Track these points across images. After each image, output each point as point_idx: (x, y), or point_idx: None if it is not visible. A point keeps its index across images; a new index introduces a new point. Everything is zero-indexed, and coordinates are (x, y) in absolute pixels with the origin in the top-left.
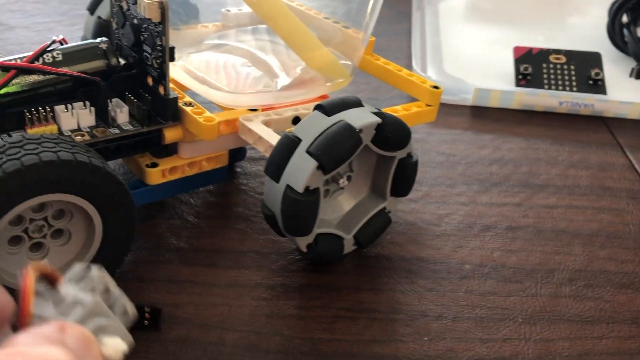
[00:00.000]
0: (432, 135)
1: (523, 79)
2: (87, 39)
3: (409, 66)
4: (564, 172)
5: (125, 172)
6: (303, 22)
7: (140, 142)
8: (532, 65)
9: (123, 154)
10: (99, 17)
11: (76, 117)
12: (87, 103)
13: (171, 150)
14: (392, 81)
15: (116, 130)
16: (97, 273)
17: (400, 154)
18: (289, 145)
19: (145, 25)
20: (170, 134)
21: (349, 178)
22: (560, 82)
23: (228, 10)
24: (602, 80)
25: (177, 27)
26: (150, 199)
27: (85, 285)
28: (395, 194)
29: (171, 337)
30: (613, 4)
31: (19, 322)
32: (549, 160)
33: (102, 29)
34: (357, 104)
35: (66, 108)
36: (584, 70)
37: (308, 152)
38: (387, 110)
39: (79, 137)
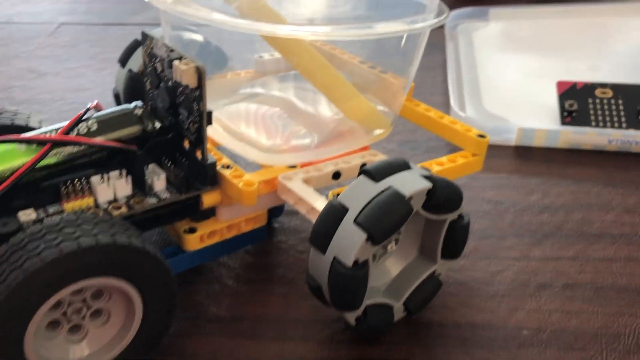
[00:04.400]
0: (476, 180)
1: (568, 116)
2: (118, 91)
3: (446, 104)
4: (620, 219)
5: (161, 234)
6: (337, 67)
7: (179, 209)
8: (577, 101)
9: (162, 223)
10: (130, 71)
11: (112, 187)
12: (124, 172)
13: (208, 212)
14: (435, 129)
15: (153, 200)
16: None
17: (451, 217)
18: (335, 214)
19: (181, 88)
20: (209, 199)
21: (396, 241)
22: (608, 119)
23: (261, 57)
24: None
25: (209, 77)
26: (189, 265)
27: None
28: (446, 256)
29: None
30: None
31: None
32: (602, 205)
33: (133, 82)
34: (405, 166)
35: (102, 178)
36: (632, 104)
37: (356, 222)
38: (432, 163)
39: (116, 210)
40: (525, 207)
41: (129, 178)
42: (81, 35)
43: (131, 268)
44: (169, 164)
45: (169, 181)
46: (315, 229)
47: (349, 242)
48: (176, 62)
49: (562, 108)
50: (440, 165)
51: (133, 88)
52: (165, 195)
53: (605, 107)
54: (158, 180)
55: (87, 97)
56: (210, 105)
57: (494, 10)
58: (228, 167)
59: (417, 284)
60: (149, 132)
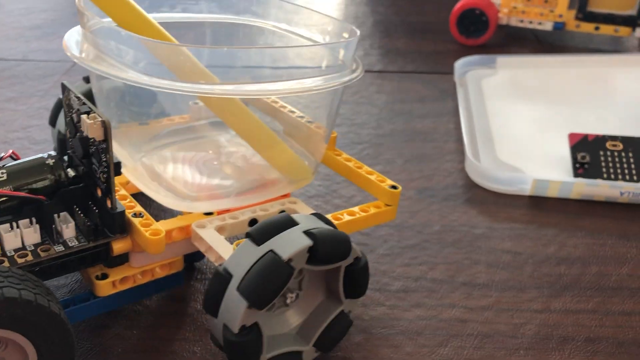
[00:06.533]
0: (494, 231)
1: (580, 168)
2: (58, 149)
3: (460, 151)
4: (636, 272)
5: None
6: (269, 114)
7: (88, 256)
8: (589, 154)
9: (71, 270)
10: (59, 132)
11: (20, 236)
12: (34, 220)
13: (121, 259)
14: (353, 178)
15: (61, 247)
16: None
17: (346, 262)
18: (221, 281)
19: (91, 140)
20: (119, 246)
21: (300, 288)
22: (619, 171)
23: (196, 103)
24: None
25: (145, 122)
26: (102, 310)
27: None
28: (350, 296)
29: None
30: None
31: None
32: (617, 258)
33: (62, 143)
34: (289, 224)
35: (11, 226)
36: None
37: (238, 290)
38: (344, 212)
39: (21, 259)
40: (543, 259)
41: (37, 227)
42: None
43: (30, 324)
44: (80, 213)
45: (80, 229)
46: (205, 295)
47: (234, 309)
48: (84, 117)
49: (575, 160)
50: (351, 215)
51: (63, 148)
52: (73, 243)
53: (617, 159)
54: (67, 228)
55: None
56: (143, 150)
57: (502, 59)
58: (139, 215)
59: (325, 325)
60: (61, 181)
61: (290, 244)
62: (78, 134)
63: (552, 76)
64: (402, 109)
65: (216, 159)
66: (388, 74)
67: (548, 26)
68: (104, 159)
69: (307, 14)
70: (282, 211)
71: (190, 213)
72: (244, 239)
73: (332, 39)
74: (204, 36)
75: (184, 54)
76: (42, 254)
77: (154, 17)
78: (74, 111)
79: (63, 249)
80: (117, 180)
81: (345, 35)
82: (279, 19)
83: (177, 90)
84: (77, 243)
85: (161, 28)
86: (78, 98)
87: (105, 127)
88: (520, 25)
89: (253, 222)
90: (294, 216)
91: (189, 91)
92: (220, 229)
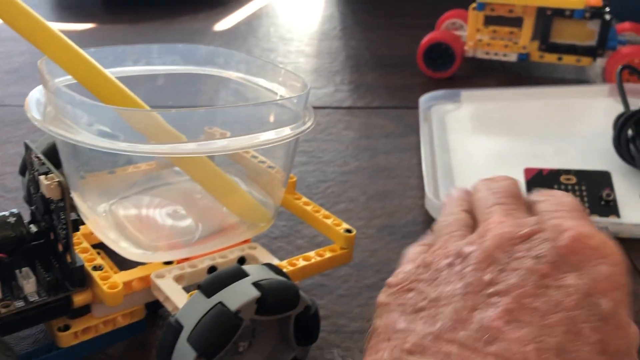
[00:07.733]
0: None
1: None
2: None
3: (422, 186)
4: None
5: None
6: (234, 159)
7: (48, 310)
8: (544, 188)
9: (32, 324)
10: (29, 181)
11: None
12: None
13: (83, 310)
14: (310, 222)
15: (21, 303)
16: None
17: (296, 311)
18: (172, 332)
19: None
20: (79, 299)
21: (250, 344)
22: None
23: None
24: (614, 200)
25: (112, 171)
26: None
27: None
28: (301, 344)
29: None
30: (618, 118)
31: None
32: None
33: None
34: (239, 275)
35: None
36: (595, 191)
37: (188, 340)
38: (299, 258)
39: None
40: None
41: None
42: None
43: None
44: (41, 268)
45: (41, 284)
46: (158, 345)
47: (184, 359)
48: (41, 177)
49: None
50: (307, 260)
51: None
52: (33, 298)
53: (570, 193)
54: (28, 283)
55: None
56: (109, 199)
57: (466, 93)
58: (99, 268)
59: None
60: (22, 238)
61: (238, 296)
62: (40, 191)
63: (515, 109)
64: (368, 145)
65: (178, 207)
66: (356, 110)
67: (513, 57)
68: (62, 217)
69: (264, 66)
70: (242, 257)
71: (150, 263)
72: (195, 291)
73: (286, 89)
74: (167, 87)
75: (149, 116)
76: (3, 310)
77: (117, 72)
78: (34, 170)
79: (23, 304)
80: (81, 230)
81: (298, 85)
82: (239, 69)
83: (141, 152)
84: (37, 298)
85: (122, 86)
86: (38, 158)
87: (62, 188)
88: (486, 57)
89: (212, 269)
90: (245, 267)
91: (153, 153)
92: (179, 278)
